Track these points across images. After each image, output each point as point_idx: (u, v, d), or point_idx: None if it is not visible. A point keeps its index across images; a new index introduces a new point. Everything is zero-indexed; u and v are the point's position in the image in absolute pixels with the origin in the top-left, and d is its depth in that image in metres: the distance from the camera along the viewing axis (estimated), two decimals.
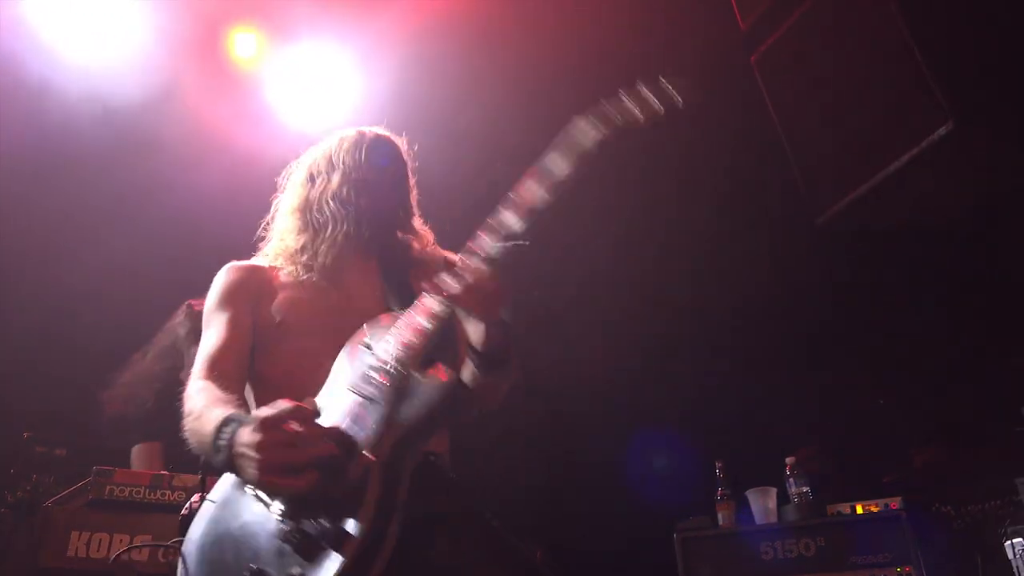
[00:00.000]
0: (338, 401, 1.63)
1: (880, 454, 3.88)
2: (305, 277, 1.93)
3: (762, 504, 3.49)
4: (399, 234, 2.05)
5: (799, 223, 3.97)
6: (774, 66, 3.92)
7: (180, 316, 3.58)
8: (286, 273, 1.96)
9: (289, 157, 2.17)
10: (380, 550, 1.38)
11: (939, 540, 3.29)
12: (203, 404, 1.63)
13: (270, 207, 2.13)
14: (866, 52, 3.52)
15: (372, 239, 1.98)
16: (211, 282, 2.01)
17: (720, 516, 3.55)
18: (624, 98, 1.68)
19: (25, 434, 3.61)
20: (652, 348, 4.46)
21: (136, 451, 3.45)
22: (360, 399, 1.58)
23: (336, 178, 1.99)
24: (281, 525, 1.44)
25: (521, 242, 1.61)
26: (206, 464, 1.66)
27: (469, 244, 1.66)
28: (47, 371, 4.08)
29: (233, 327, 1.86)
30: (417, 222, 2.11)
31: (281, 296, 1.91)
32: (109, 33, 4.02)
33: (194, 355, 1.82)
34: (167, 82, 4.13)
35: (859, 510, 3.36)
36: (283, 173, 2.14)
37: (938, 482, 3.77)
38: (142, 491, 3.03)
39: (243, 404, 1.68)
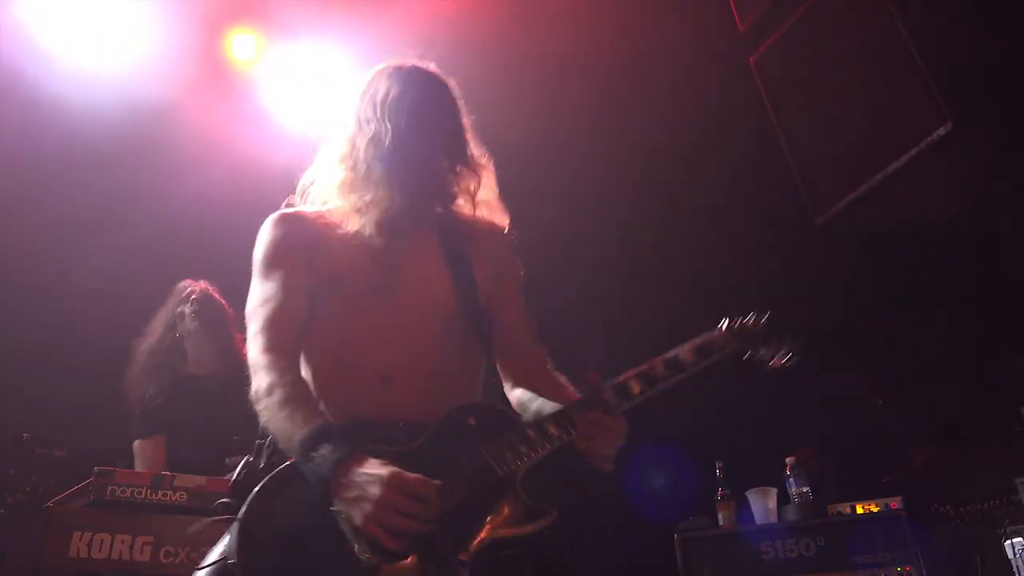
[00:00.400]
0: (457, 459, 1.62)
1: (880, 454, 3.89)
2: (358, 232, 1.82)
3: (762, 504, 3.49)
4: (457, 199, 1.95)
5: (798, 224, 3.99)
6: (773, 67, 3.93)
7: (179, 302, 3.54)
8: (337, 224, 1.86)
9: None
10: None
11: (939, 540, 3.30)
12: (282, 392, 1.62)
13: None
14: (865, 53, 3.54)
15: (422, 206, 1.89)
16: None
17: (720, 516, 3.55)
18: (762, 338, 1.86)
19: (24, 435, 3.61)
20: (650, 350, 4.46)
21: (139, 446, 3.45)
22: (475, 481, 1.58)
23: (382, 130, 1.84)
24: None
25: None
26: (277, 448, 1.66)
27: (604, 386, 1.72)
28: (46, 372, 4.07)
29: (290, 290, 1.80)
30: (472, 176, 1.94)
31: (335, 251, 1.84)
32: (107, 36, 4.03)
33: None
34: (165, 84, 4.14)
35: (859, 510, 3.37)
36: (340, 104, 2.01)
37: (938, 482, 3.78)
38: (144, 491, 3.01)
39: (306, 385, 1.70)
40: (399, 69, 1.94)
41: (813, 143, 3.86)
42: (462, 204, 1.96)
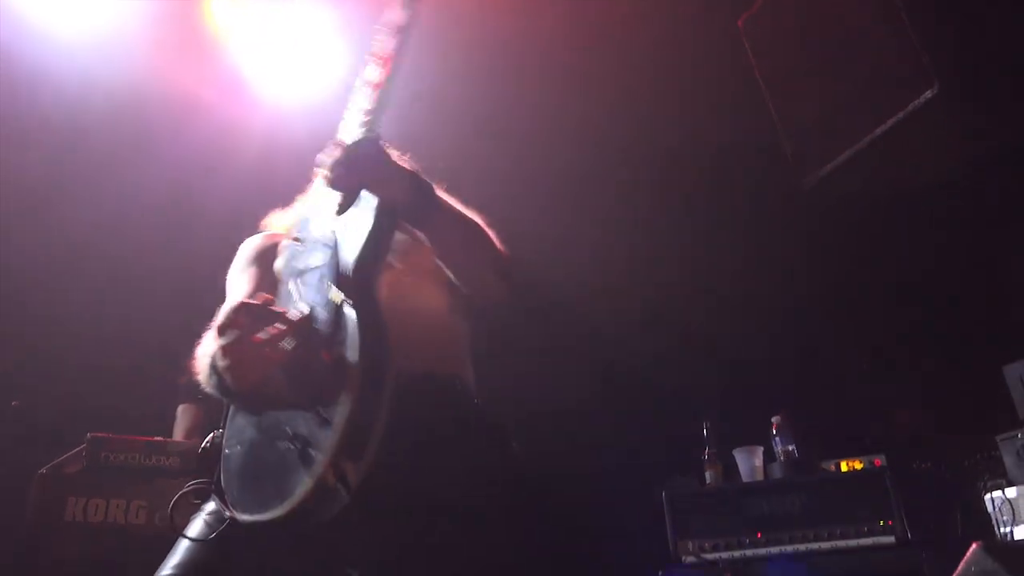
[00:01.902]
0: (289, 290, 1.59)
1: (863, 412, 3.96)
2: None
3: (749, 462, 3.56)
4: None
5: (784, 187, 4.01)
6: (761, 29, 3.93)
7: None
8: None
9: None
10: (374, 422, 1.31)
11: (920, 495, 3.38)
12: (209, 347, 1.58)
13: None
14: (853, 15, 3.54)
15: None
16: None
17: (708, 475, 3.62)
18: None
19: (13, 403, 3.61)
20: (637, 312, 4.49)
21: (181, 410, 3.50)
22: (296, 280, 1.56)
23: None
24: (275, 432, 1.41)
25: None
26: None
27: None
28: (33, 339, 4.05)
29: (259, 282, 1.81)
30: None
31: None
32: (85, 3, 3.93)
33: None
34: (140, 49, 4.06)
35: (844, 467, 3.44)
36: None
37: (919, 439, 3.86)
38: (137, 457, 3.04)
39: None
40: None
41: (800, 106, 3.88)
42: None
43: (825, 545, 3.20)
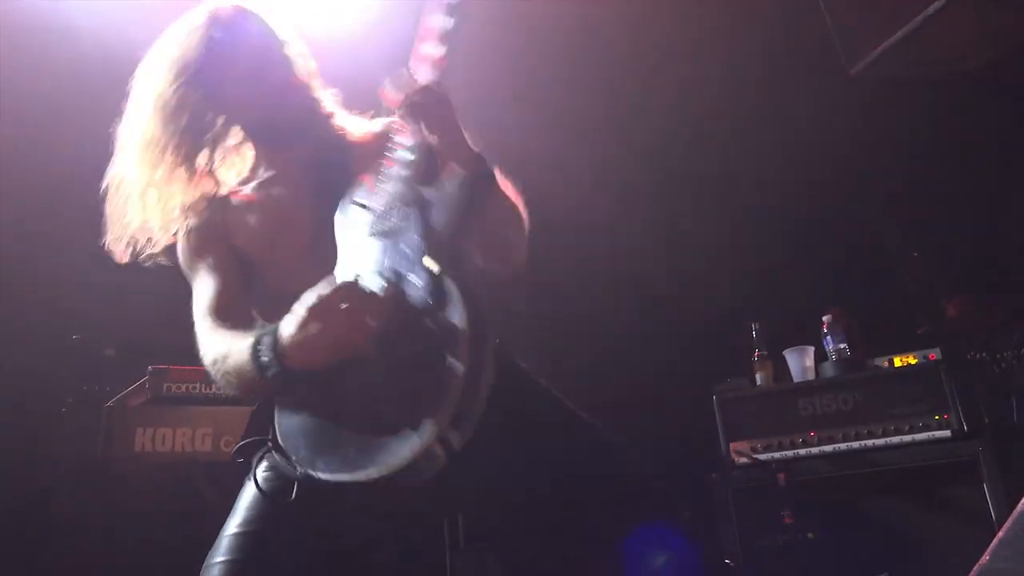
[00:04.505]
0: (356, 256, 1.57)
1: (916, 307, 3.90)
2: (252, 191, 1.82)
3: (800, 362, 3.54)
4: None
5: (831, 74, 3.85)
6: None
7: None
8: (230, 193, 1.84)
9: None
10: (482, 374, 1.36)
11: (976, 386, 3.35)
12: (225, 345, 1.57)
13: None
14: None
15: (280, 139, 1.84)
16: None
17: (758, 377, 3.61)
18: None
19: (75, 336, 3.68)
20: (680, 214, 4.43)
21: None
22: (385, 238, 1.53)
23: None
24: (359, 399, 1.43)
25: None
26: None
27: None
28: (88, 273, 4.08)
29: (222, 268, 1.75)
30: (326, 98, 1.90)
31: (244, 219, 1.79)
32: None
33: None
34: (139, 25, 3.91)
35: (897, 363, 3.41)
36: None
37: (972, 330, 3.81)
38: (198, 386, 3.12)
39: None
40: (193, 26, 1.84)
41: None
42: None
43: (879, 442, 3.20)
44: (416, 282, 1.45)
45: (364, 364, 1.43)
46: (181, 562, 1.72)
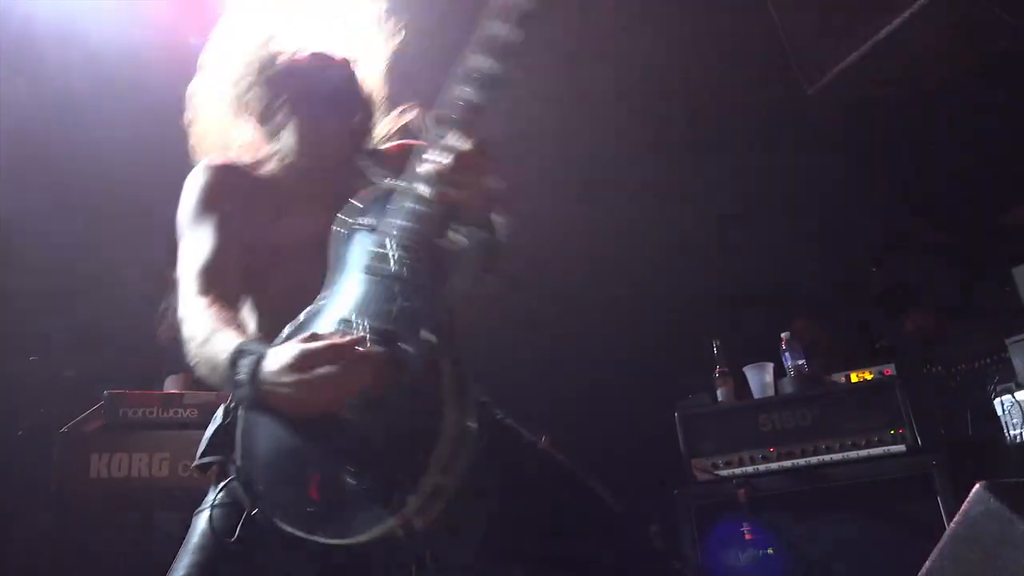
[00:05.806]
0: (351, 289, 1.47)
1: (873, 323, 3.96)
2: (287, 177, 1.79)
3: (759, 379, 3.58)
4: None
5: (789, 95, 3.90)
6: None
7: None
8: (267, 172, 1.80)
9: None
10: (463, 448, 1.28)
11: (931, 401, 3.41)
12: (209, 327, 1.47)
13: None
14: None
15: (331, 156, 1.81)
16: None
17: (719, 393, 3.64)
18: None
19: (31, 358, 3.63)
20: (644, 232, 4.45)
21: (170, 381, 3.47)
22: (382, 281, 1.43)
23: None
24: (334, 455, 1.34)
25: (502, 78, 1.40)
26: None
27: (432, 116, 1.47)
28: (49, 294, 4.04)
29: (224, 232, 1.67)
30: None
31: (272, 198, 1.75)
32: None
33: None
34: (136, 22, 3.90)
35: (854, 378, 3.46)
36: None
37: (929, 345, 3.88)
38: (155, 411, 3.08)
39: (242, 324, 1.57)
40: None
41: (803, 10, 3.75)
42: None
43: (836, 457, 3.24)
44: (409, 350, 1.35)
45: (339, 423, 1.35)
46: None
